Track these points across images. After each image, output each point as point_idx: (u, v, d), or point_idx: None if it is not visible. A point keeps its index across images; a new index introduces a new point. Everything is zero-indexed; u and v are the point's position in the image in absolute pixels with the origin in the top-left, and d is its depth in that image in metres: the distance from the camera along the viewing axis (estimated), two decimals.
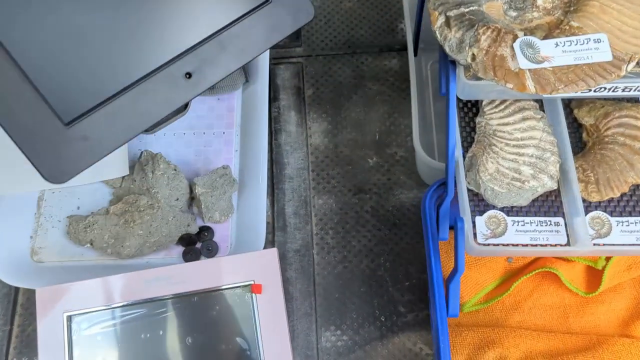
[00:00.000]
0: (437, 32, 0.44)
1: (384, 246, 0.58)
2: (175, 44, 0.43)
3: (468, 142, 0.49)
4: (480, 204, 0.46)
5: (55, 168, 0.40)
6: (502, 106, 0.48)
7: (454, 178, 0.47)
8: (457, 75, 0.45)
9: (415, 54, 0.60)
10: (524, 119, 0.47)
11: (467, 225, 0.44)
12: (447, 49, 0.44)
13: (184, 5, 0.43)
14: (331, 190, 0.61)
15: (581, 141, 0.49)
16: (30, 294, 0.55)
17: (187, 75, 0.43)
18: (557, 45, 0.42)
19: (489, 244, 0.44)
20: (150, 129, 0.51)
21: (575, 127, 0.50)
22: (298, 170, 0.62)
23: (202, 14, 0.43)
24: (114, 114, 0.41)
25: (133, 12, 0.42)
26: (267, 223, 0.58)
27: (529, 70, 0.42)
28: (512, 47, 0.42)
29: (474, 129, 0.49)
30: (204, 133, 0.63)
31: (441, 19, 0.44)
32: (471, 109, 0.51)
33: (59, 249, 0.57)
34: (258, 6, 0.45)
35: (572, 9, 0.45)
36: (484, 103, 0.48)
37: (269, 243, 0.58)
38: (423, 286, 0.56)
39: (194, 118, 0.64)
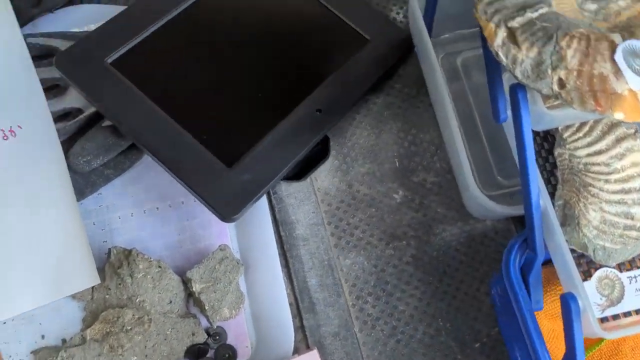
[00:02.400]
0: (499, 52, 0.32)
1: (439, 303, 0.47)
2: (305, 85, 0.49)
3: (545, 178, 0.38)
4: (582, 263, 0.35)
5: (226, 206, 0.44)
6: (586, 128, 0.36)
7: (542, 233, 0.35)
8: (531, 103, 0.33)
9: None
10: (618, 140, 0.36)
11: (583, 301, 0.33)
12: (519, 75, 0.31)
13: (308, 53, 0.52)
14: (358, 245, 0.49)
15: None
16: None
17: (318, 111, 0.48)
18: None
19: (618, 324, 0.33)
20: (301, 176, 0.49)
21: None
22: (312, 228, 0.49)
23: (322, 59, 0.52)
24: (264, 153, 0.46)
25: (266, 65, 0.51)
26: (290, 304, 0.46)
27: None
28: (612, 61, 0.30)
29: (553, 163, 0.38)
30: (182, 202, 0.49)
31: (501, 33, 0.32)
32: (544, 138, 0.39)
33: None
34: (361, 47, 0.52)
35: None
36: (560, 129, 0.37)
37: (298, 331, 0.46)
38: (497, 345, 0.46)
39: (166, 184, 0.49)
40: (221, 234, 0.48)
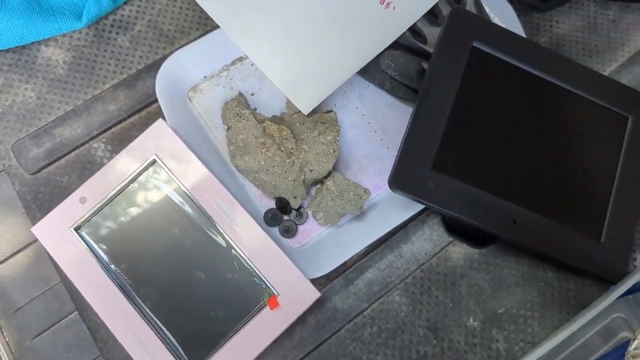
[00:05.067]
0: None
1: None
2: (539, 201, 0.55)
3: None
4: None
5: (398, 180, 0.52)
6: None
7: None
8: None
9: None
10: None
11: None
12: None
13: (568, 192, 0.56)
14: (415, 303, 0.54)
15: None
16: (160, 113, 0.57)
17: (513, 222, 0.53)
18: None
19: None
20: (448, 229, 0.56)
21: None
22: (412, 257, 0.55)
23: (567, 209, 0.55)
24: (459, 189, 0.53)
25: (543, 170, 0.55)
26: (344, 263, 0.54)
27: None
28: None
29: None
30: (388, 147, 0.58)
31: None
32: None
33: (209, 106, 0.58)
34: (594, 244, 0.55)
35: None
36: None
37: (326, 278, 0.54)
38: None
39: (398, 131, 0.59)
40: (377, 186, 0.57)
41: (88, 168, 0.56)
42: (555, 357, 0.53)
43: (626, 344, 0.47)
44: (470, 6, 0.59)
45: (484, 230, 0.54)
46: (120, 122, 0.58)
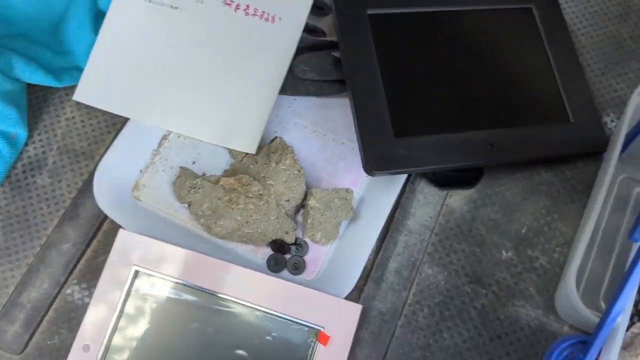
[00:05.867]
0: None
1: (478, 357, 0.50)
2: (495, 117, 0.56)
3: (636, 301, 0.39)
4: None
5: (374, 163, 0.51)
6: None
7: (600, 347, 0.37)
8: None
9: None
10: None
11: None
12: None
13: (514, 96, 0.57)
14: (447, 266, 0.53)
15: None
16: (116, 226, 0.53)
17: (491, 145, 0.53)
18: None
19: None
20: (441, 185, 0.56)
21: None
22: (421, 227, 0.54)
23: (522, 108, 0.57)
24: (428, 145, 0.52)
25: (478, 85, 0.57)
26: (364, 267, 0.52)
27: None
28: None
29: None
30: (344, 143, 0.58)
31: None
32: None
33: (159, 195, 0.55)
34: (561, 122, 0.57)
35: None
36: None
37: (357, 290, 0.52)
38: None
39: (342, 124, 0.58)
40: (354, 182, 0.56)
41: (73, 316, 0.51)
42: (593, 245, 0.53)
43: None
44: None
45: (469, 168, 0.53)
46: (81, 256, 0.53)
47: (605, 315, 0.37)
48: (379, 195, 0.54)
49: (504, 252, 0.53)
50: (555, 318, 0.51)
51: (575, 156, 0.56)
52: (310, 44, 0.59)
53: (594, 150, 0.55)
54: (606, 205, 0.54)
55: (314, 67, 0.58)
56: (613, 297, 0.37)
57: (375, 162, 0.51)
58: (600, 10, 0.65)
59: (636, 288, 0.36)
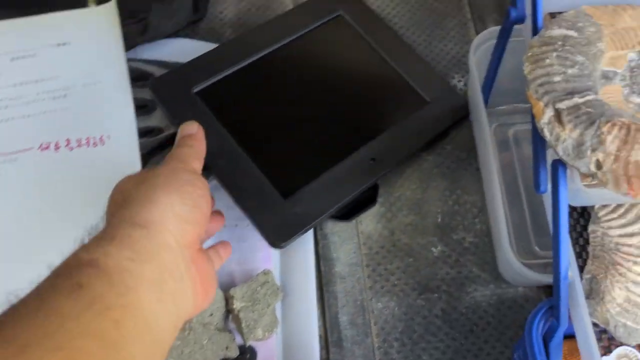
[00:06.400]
0: (545, 129, 0.35)
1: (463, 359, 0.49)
2: (363, 134, 0.54)
3: (577, 252, 0.40)
4: (603, 338, 0.37)
5: (276, 233, 0.48)
6: (621, 210, 0.38)
7: (567, 303, 0.37)
8: (569, 180, 0.36)
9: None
10: None
11: None
12: (560, 152, 0.34)
13: (370, 106, 0.57)
14: (391, 290, 0.51)
15: None
16: None
17: (372, 160, 0.52)
18: None
19: None
20: (347, 217, 0.53)
21: None
22: (350, 267, 0.52)
23: (382, 113, 0.56)
24: (317, 190, 0.50)
25: (331, 112, 0.56)
26: (319, 336, 0.49)
27: None
28: None
29: (586, 239, 0.40)
30: (236, 225, 0.53)
31: (549, 112, 0.35)
32: (581, 214, 0.41)
33: None
34: (421, 106, 0.56)
35: None
36: (596, 207, 0.39)
37: None
38: None
39: (224, 207, 0.54)
40: (266, 259, 0.52)
41: None
42: (504, 200, 0.54)
43: None
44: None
45: (363, 196, 0.53)
46: None
47: (555, 277, 0.37)
48: (296, 259, 0.51)
49: (433, 250, 0.53)
50: (508, 285, 0.51)
51: (448, 130, 0.57)
52: (156, 144, 0.54)
53: (460, 116, 0.57)
54: (494, 159, 0.55)
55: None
56: (554, 258, 0.37)
57: (278, 233, 0.48)
58: None
59: (568, 240, 0.37)
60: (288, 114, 0.55)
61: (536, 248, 0.52)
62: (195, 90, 0.53)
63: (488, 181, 0.52)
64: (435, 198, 0.55)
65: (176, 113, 0.52)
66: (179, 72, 0.54)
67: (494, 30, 0.51)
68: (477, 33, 0.63)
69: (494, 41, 0.48)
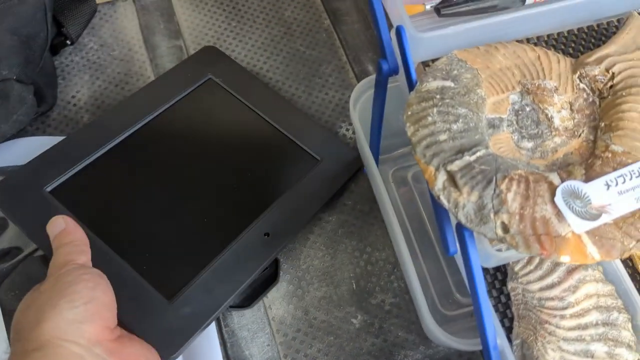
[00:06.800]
0: (441, 196, 0.31)
1: None
2: (252, 208, 0.48)
3: (502, 312, 0.36)
4: None
5: (166, 344, 0.41)
6: (536, 261, 0.36)
7: None
8: (478, 242, 0.33)
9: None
10: (570, 272, 0.35)
11: None
12: (462, 220, 0.31)
13: (257, 175, 0.51)
14: None
15: (638, 274, 0.38)
16: None
17: (266, 235, 0.47)
18: (608, 186, 0.31)
19: None
20: (248, 303, 0.47)
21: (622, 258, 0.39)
22: None
23: (271, 181, 0.50)
24: (208, 283, 0.44)
25: (211, 190, 0.49)
26: None
27: (586, 232, 0.30)
28: (553, 203, 0.30)
29: (507, 295, 0.37)
30: None
31: (442, 177, 0.31)
32: (497, 269, 0.38)
33: None
34: (312, 167, 0.51)
35: (602, 124, 0.33)
36: (511, 263, 0.36)
37: None
38: None
39: None
40: None
41: None
42: (416, 253, 0.51)
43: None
44: None
45: (263, 276, 0.47)
46: None
47: (485, 347, 0.33)
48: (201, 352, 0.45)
49: (354, 321, 0.48)
50: (436, 344, 0.47)
51: (345, 186, 0.53)
52: (10, 269, 0.45)
53: (355, 169, 0.53)
54: (398, 206, 0.52)
55: (26, 283, 0.45)
56: (479, 327, 0.33)
57: (168, 343, 0.40)
58: (263, 37, 0.62)
59: (489, 306, 0.33)
60: (162, 200, 0.48)
61: (458, 295, 0.49)
62: (48, 189, 0.45)
63: (393, 237, 0.48)
64: (346, 262, 0.50)
65: (29, 221, 0.43)
66: (24, 172, 0.46)
67: (371, 79, 0.47)
68: (356, 75, 0.60)
69: (372, 90, 0.45)
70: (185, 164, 0.50)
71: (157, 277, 0.43)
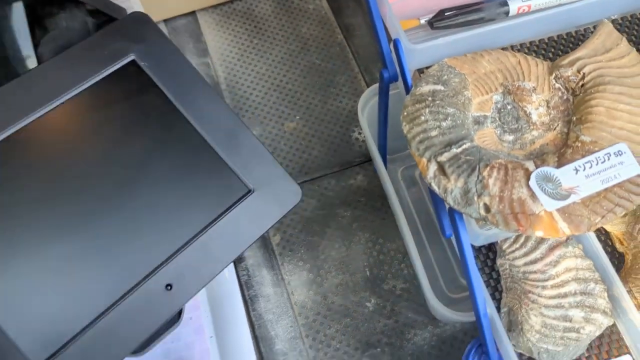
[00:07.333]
0: (432, 183, 0.36)
1: None
2: (151, 256, 0.37)
3: (493, 286, 0.41)
4: None
5: None
6: (522, 240, 0.40)
7: (492, 339, 0.38)
8: (468, 224, 0.38)
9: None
10: (551, 249, 0.40)
11: None
12: (451, 202, 0.36)
13: (156, 214, 0.38)
14: (335, 356, 0.51)
15: (616, 252, 0.43)
16: None
17: (168, 287, 0.37)
18: (577, 171, 0.35)
19: None
20: (139, 350, 0.39)
21: (602, 237, 0.43)
22: (290, 342, 0.51)
23: (178, 219, 0.38)
24: (89, 347, 0.35)
25: (97, 236, 0.37)
26: None
27: (557, 210, 0.34)
28: (528, 186, 0.35)
29: (499, 272, 0.41)
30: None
31: (433, 167, 0.37)
32: (489, 249, 0.43)
33: None
34: (240, 198, 0.39)
35: (574, 119, 0.38)
36: (499, 242, 0.41)
37: None
38: None
39: None
40: (203, 354, 0.51)
41: None
42: (423, 241, 0.56)
43: None
44: None
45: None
46: None
47: (476, 315, 0.38)
48: (234, 347, 0.50)
49: (368, 304, 0.53)
50: (443, 323, 0.52)
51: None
52: None
53: (291, 205, 0.39)
54: (407, 201, 0.57)
55: None
56: (471, 297, 0.38)
57: None
58: (282, 52, 0.69)
59: (479, 278, 0.38)
60: (25, 243, 0.35)
61: (462, 280, 0.53)
62: None
63: (400, 229, 0.53)
64: (360, 252, 0.56)
65: None
66: None
67: (376, 87, 0.53)
68: (367, 84, 0.66)
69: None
70: (66, 186, 0.36)
71: (29, 340, 0.34)
